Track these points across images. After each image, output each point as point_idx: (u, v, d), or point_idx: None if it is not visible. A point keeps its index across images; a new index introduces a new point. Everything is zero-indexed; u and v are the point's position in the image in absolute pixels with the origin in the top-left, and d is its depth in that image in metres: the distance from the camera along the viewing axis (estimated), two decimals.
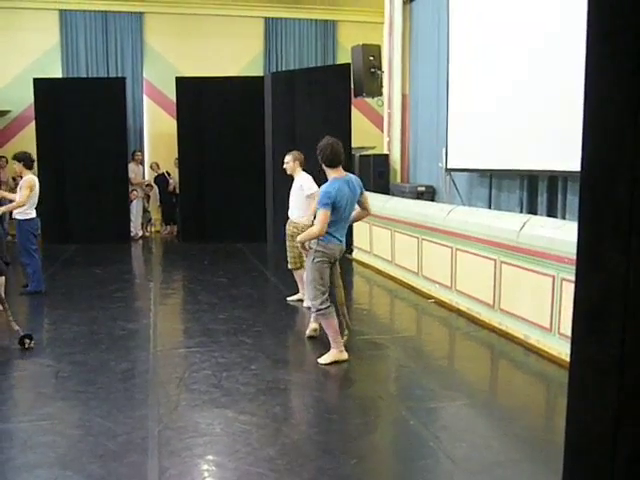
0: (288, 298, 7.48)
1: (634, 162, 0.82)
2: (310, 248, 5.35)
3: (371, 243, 9.74)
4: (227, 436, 3.98)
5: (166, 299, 8.13)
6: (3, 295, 6.02)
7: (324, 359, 5.36)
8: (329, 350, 5.43)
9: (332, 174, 5.35)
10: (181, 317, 7.45)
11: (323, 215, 5.15)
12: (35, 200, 7.76)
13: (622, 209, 0.83)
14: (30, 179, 7.72)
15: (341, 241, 5.40)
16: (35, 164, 8.28)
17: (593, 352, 0.86)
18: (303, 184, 6.94)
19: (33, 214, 7.75)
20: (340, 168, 5.36)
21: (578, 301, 0.91)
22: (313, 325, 6.05)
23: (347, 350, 5.47)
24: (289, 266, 7.23)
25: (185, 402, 4.49)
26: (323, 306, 5.34)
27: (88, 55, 13.48)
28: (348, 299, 6.61)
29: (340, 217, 5.27)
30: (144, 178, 13.76)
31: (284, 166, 7.21)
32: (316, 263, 5.32)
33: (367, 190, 10.39)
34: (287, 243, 7.15)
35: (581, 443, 0.86)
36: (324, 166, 5.40)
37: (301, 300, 7.33)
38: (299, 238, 5.45)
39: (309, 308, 7.02)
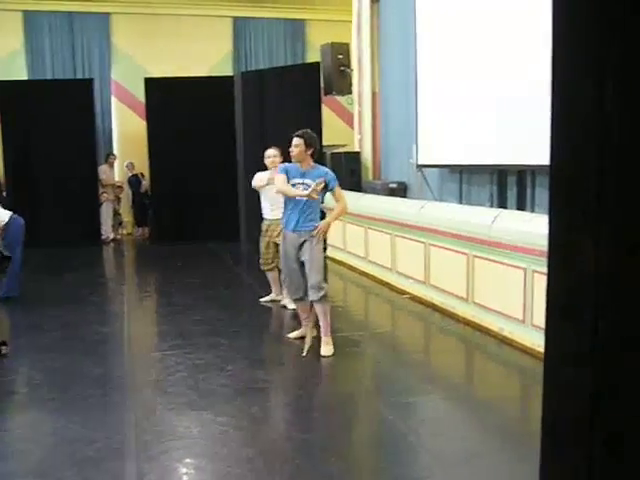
0: (261, 299, 7.41)
1: (602, 151, 0.83)
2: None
3: (344, 240, 9.76)
4: (205, 438, 3.96)
5: (140, 302, 8.07)
6: None
7: (328, 350, 5.49)
8: (303, 345, 5.57)
9: (312, 162, 5.58)
10: (156, 319, 7.40)
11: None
12: None
13: (591, 199, 0.84)
14: None
15: None
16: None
17: (567, 340, 0.88)
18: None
19: None
20: None
21: (550, 290, 0.93)
22: (304, 330, 5.92)
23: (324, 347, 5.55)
24: (262, 267, 7.15)
25: (162, 405, 4.46)
26: (327, 288, 5.54)
27: (54, 57, 13.31)
28: None
29: None
30: (115, 180, 13.64)
31: (268, 160, 6.86)
32: (322, 249, 5.56)
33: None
34: (261, 244, 7.06)
35: (557, 429, 0.88)
36: (307, 153, 5.53)
37: (274, 301, 7.30)
38: (329, 220, 5.65)
39: (285, 307, 7.03)
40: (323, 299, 5.47)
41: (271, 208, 6.92)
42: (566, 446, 0.86)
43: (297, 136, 5.52)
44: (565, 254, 0.88)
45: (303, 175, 5.50)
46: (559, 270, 0.90)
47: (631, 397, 0.79)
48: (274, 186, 6.76)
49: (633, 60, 0.79)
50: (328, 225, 5.61)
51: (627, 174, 0.81)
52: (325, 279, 5.55)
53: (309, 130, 5.64)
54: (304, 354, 5.49)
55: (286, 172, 5.55)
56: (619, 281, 0.82)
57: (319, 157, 5.85)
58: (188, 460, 3.71)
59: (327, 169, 5.69)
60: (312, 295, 5.48)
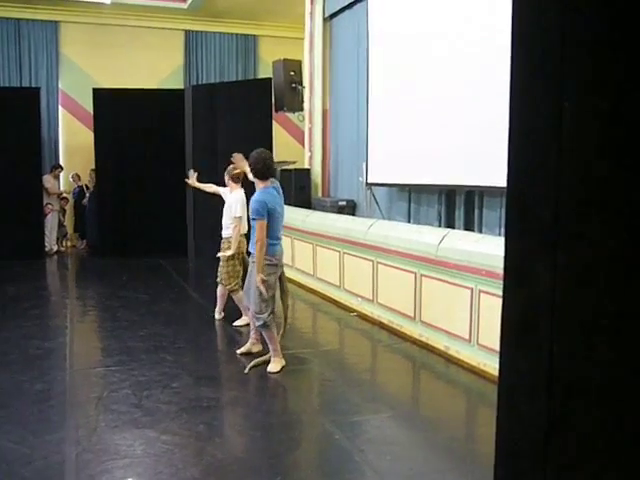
0: (234, 323, 7.07)
1: (558, 179, 0.84)
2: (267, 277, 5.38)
3: (293, 257, 9.74)
4: (149, 457, 3.87)
5: (83, 317, 7.89)
6: None
7: (274, 368, 5.48)
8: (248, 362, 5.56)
9: (261, 184, 5.45)
10: (99, 335, 7.23)
11: (260, 226, 5.24)
12: None
13: (548, 225, 0.85)
14: None
15: (280, 245, 5.60)
16: None
17: (522, 366, 0.88)
18: (232, 205, 6.76)
19: None
20: (272, 178, 5.56)
21: (506, 315, 0.93)
22: (249, 345, 6.01)
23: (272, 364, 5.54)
24: (232, 287, 6.91)
25: (104, 423, 4.35)
26: (269, 318, 5.45)
27: None
28: None
29: (278, 223, 5.45)
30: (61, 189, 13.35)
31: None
32: (267, 277, 5.37)
33: (288, 204, 10.40)
34: (220, 263, 6.93)
35: (512, 456, 0.88)
36: (254, 177, 5.50)
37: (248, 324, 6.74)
38: (259, 280, 5.30)
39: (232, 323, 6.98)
40: (263, 327, 5.50)
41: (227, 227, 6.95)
42: (520, 474, 0.86)
43: None
44: (521, 280, 0.89)
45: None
46: (515, 296, 0.91)
47: (585, 426, 0.80)
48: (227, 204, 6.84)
49: (590, 84, 0.81)
50: (260, 280, 5.30)
51: (583, 199, 0.82)
52: (269, 306, 5.45)
53: (259, 149, 5.58)
54: (246, 371, 5.46)
55: None
56: (574, 306, 0.83)
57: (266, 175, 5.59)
58: None
59: (257, 199, 5.29)
60: (254, 321, 5.60)
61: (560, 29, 0.84)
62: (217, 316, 7.26)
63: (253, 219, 5.31)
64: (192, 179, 7.52)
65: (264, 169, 5.42)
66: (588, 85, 0.82)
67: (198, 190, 7.81)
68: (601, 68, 0.80)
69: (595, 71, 0.81)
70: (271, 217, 5.32)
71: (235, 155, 6.21)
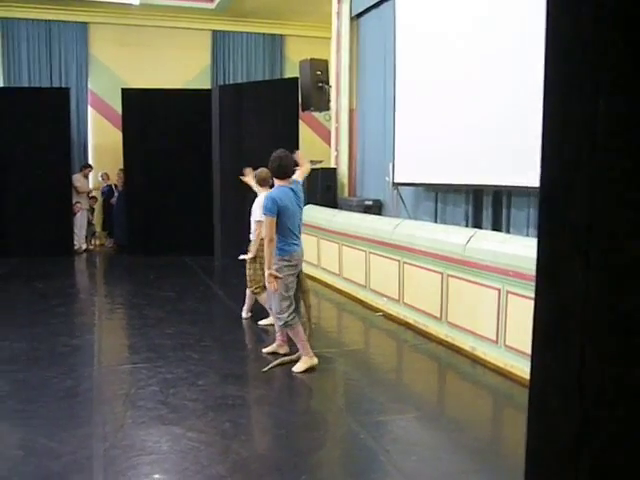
0: (260, 322, 7.10)
1: (592, 180, 0.83)
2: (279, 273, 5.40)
3: (319, 256, 9.75)
4: (175, 454, 3.90)
5: (111, 314, 7.97)
6: None
7: (298, 367, 5.48)
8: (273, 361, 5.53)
9: (278, 183, 5.55)
10: (126, 332, 7.30)
11: (269, 223, 5.31)
12: None
13: (581, 227, 0.84)
14: None
15: (299, 245, 5.61)
16: None
17: (553, 368, 0.87)
18: (256, 208, 6.73)
19: None
20: (289, 178, 5.56)
21: (537, 317, 0.92)
22: (275, 346, 6.01)
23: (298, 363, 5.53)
24: (254, 290, 6.96)
25: (131, 420, 4.40)
26: (290, 318, 5.45)
27: (31, 65, 13.18)
28: None
29: (292, 222, 5.46)
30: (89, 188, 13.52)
31: None
32: (284, 277, 5.41)
33: (315, 204, 10.41)
34: (246, 265, 6.91)
35: (543, 459, 0.87)
36: (273, 176, 5.64)
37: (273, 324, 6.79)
38: (267, 275, 5.41)
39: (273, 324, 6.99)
40: (286, 327, 5.54)
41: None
42: (551, 476, 0.85)
43: None
44: (554, 282, 0.88)
45: None
46: (547, 297, 0.90)
47: (617, 428, 0.79)
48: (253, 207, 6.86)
49: (626, 80, 0.80)
50: (269, 274, 5.38)
51: (617, 199, 0.81)
52: (290, 305, 5.47)
53: (279, 149, 5.64)
54: (265, 369, 5.48)
55: None
56: (607, 308, 0.82)
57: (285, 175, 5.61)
58: (157, 476, 3.65)
59: (268, 196, 5.46)
60: (277, 322, 5.70)
61: (594, 28, 0.83)
62: (244, 314, 7.28)
63: (263, 214, 5.42)
64: (250, 176, 7.41)
65: (279, 168, 5.49)
66: (624, 82, 0.81)
67: (249, 188, 7.66)
68: (637, 65, 0.79)
69: (631, 68, 0.80)
70: (283, 215, 5.35)
71: (297, 152, 6.25)
